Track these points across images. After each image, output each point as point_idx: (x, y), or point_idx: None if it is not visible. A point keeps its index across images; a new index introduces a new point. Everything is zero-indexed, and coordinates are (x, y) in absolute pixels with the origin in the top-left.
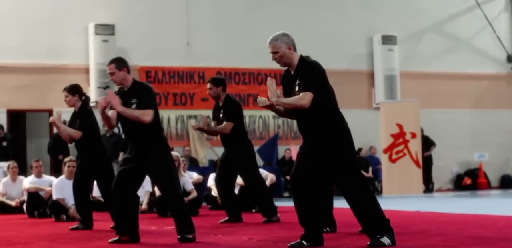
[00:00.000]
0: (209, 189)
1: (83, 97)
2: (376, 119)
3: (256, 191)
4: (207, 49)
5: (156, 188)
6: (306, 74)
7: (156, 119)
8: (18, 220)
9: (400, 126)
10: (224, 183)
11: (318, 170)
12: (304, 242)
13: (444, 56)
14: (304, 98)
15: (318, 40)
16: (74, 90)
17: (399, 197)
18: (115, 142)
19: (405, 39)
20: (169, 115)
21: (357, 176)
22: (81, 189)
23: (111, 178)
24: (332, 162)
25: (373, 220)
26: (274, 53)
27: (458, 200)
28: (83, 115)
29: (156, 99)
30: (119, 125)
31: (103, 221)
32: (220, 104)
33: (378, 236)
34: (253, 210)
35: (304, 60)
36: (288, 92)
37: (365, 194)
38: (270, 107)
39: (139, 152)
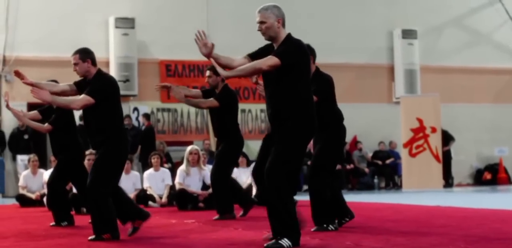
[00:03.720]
0: None
1: None
2: (396, 113)
3: (215, 188)
4: (227, 43)
5: (176, 181)
6: (285, 47)
7: (111, 113)
8: (38, 213)
9: (420, 121)
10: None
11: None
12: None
13: (464, 51)
14: (265, 60)
15: (339, 34)
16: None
17: (419, 191)
18: (134, 135)
19: (426, 33)
20: (189, 109)
21: (284, 169)
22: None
23: (82, 173)
24: (276, 144)
25: (278, 220)
26: (261, 23)
27: (478, 195)
28: (60, 109)
29: (112, 91)
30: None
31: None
32: (217, 92)
33: (279, 237)
34: None
35: (290, 37)
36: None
37: (276, 192)
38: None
39: (94, 146)
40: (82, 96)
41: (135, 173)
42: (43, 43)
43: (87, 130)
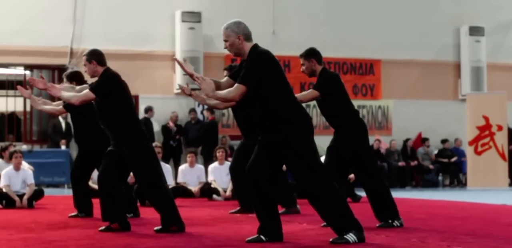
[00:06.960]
0: None
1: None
2: (462, 111)
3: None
4: (292, 38)
5: None
6: (247, 65)
7: (120, 108)
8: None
9: (486, 118)
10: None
11: (274, 162)
12: (262, 237)
13: None
14: (234, 91)
15: (405, 30)
16: (71, 78)
17: (484, 189)
18: (198, 129)
19: (493, 30)
20: None
21: (315, 172)
22: (79, 176)
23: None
24: (288, 159)
25: (337, 217)
26: (224, 41)
27: None
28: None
29: (115, 86)
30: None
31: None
32: None
33: (344, 232)
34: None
35: (253, 50)
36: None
37: (327, 189)
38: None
39: (115, 141)
40: (84, 91)
41: (199, 167)
42: (110, 36)
43: (105, 128)
